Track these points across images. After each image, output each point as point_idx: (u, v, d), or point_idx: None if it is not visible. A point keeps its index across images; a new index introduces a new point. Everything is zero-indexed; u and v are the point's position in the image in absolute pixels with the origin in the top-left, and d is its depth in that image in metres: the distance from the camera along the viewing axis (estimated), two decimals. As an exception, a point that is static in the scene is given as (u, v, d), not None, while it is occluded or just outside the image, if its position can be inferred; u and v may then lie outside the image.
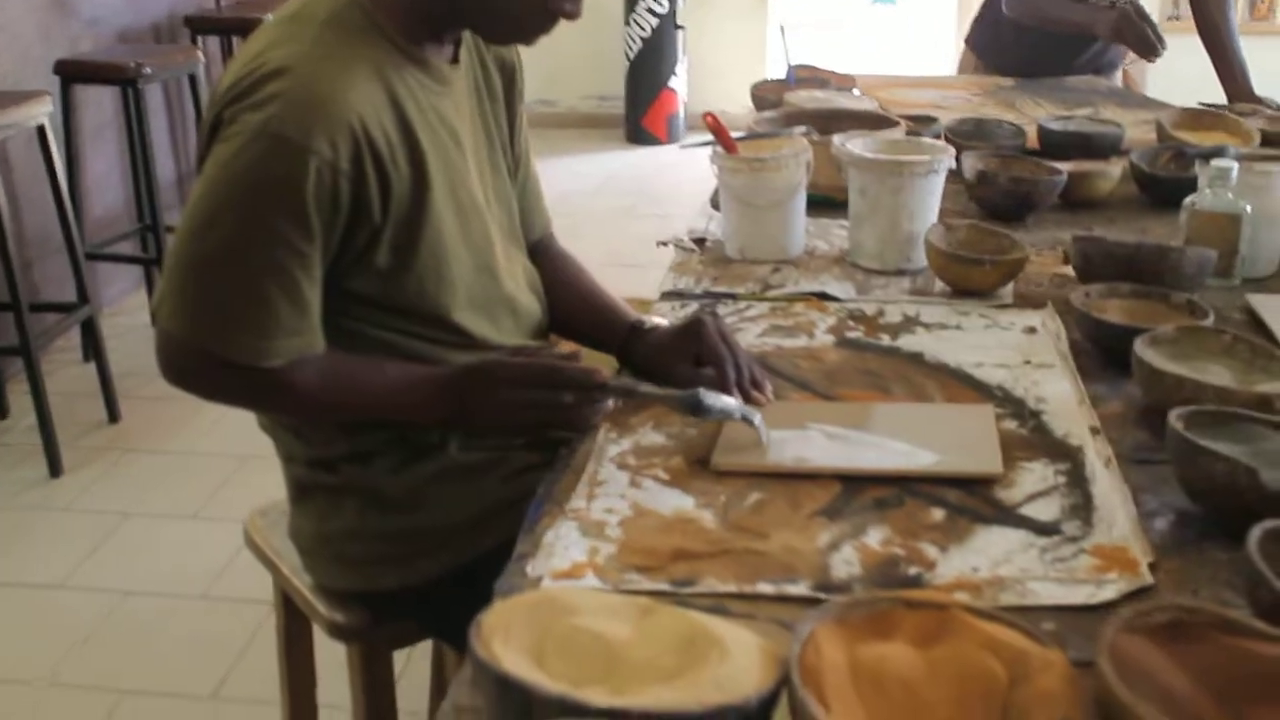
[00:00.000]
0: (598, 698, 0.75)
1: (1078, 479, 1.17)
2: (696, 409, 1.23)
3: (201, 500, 2.92)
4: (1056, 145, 2.22)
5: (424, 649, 1.96)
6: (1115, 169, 2.07)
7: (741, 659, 0.79)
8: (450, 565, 1.37)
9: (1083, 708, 0.77)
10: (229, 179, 1.21)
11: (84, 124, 3.79)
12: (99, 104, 3.91)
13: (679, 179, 5.33)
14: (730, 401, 1.25)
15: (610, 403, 1.29)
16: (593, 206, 5.03)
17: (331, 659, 1.46)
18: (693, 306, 1.62)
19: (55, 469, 3.05)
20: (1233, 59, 2.86)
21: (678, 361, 1.36)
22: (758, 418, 1.23)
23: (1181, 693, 0.80)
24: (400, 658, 2.21)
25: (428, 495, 1.37)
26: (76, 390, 3.45)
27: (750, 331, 1.54)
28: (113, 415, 3.33)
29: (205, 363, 1.26)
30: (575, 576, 1.03)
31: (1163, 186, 2.02)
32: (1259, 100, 2.70)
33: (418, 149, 1.29)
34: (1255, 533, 0.95)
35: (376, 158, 1.24)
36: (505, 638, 0.81)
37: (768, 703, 0.77)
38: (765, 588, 1.01)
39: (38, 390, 3.02)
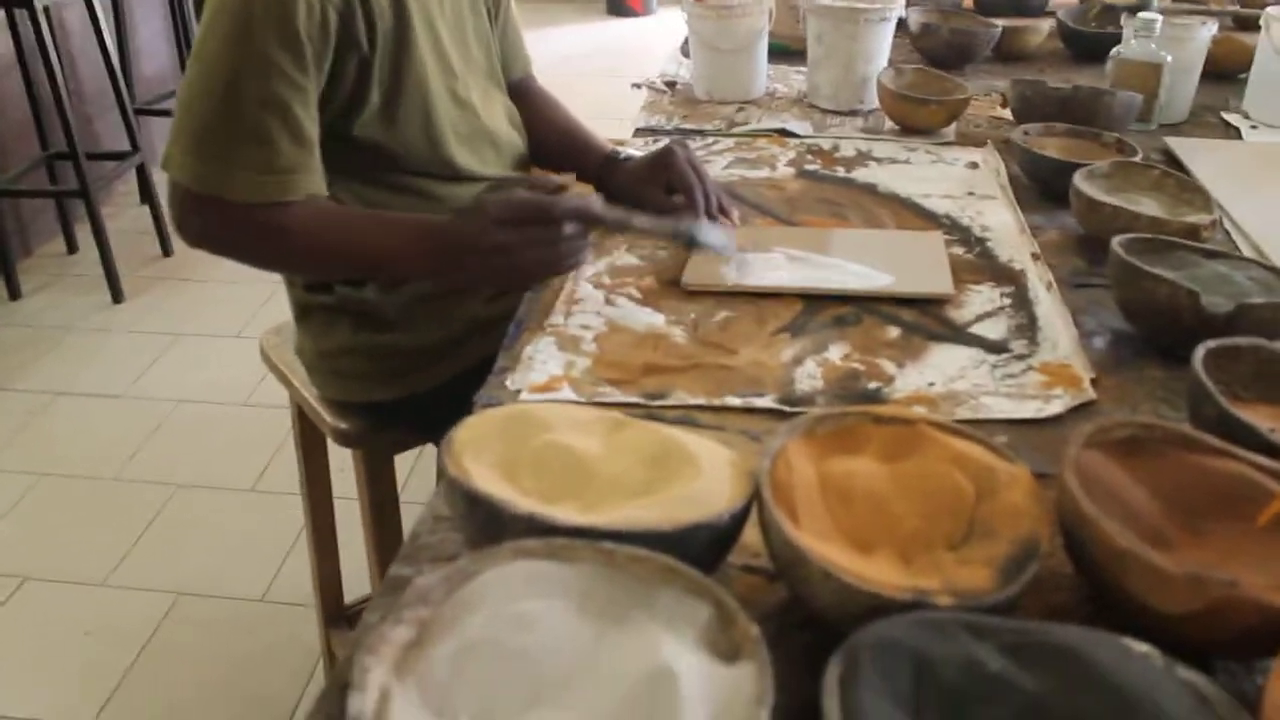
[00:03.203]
0: (569, 514, 0.59)
1: (1022, 301, 1.01)
2: (692, 241, 1.05)
3: (242, 322, 2.77)
4: (991, 4, 2.00)
5: (434, 448, 1.83)
6: (1044, 25, 1.87)
7: (713, 474, 0.63)
8: (439, 379, 1.21)
9: (1047, 521, 0.63)
10: (225, 12, 1.00)
11: (131, -6, 3.50)
12: (145, -24, 3.60)
13: (652, 45, 5.08)
14: (723, 238, 1.06)
15: (590, 238, 1.06)
16: (581, 68, 4.76)
17: (347, 455, 1.32)
18: (664, 141, 1.43)
19: (117, 296, 2.90)
20: None
21: (650, 189, 1.17)
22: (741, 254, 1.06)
23: (1141, 506, 0.66)
24: (412, 455, 2.08)
25: (417, 315, 1.20)
26: (134, 229, 3.26)
27: (717, 164, 1.35)
28: (166, 249, 3.15)
29: (211, 209, 1.05)
30: (552, 389, 0.87)
31: (1087, 41, 1.82)
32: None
33: None
34: (1200, 352, 0.80)
35: None
36: (477, 453, 0.64)
37: (740, 518, 0.61)
38: (733, 400, 0.85)
39: (98, 228, 2.84)
